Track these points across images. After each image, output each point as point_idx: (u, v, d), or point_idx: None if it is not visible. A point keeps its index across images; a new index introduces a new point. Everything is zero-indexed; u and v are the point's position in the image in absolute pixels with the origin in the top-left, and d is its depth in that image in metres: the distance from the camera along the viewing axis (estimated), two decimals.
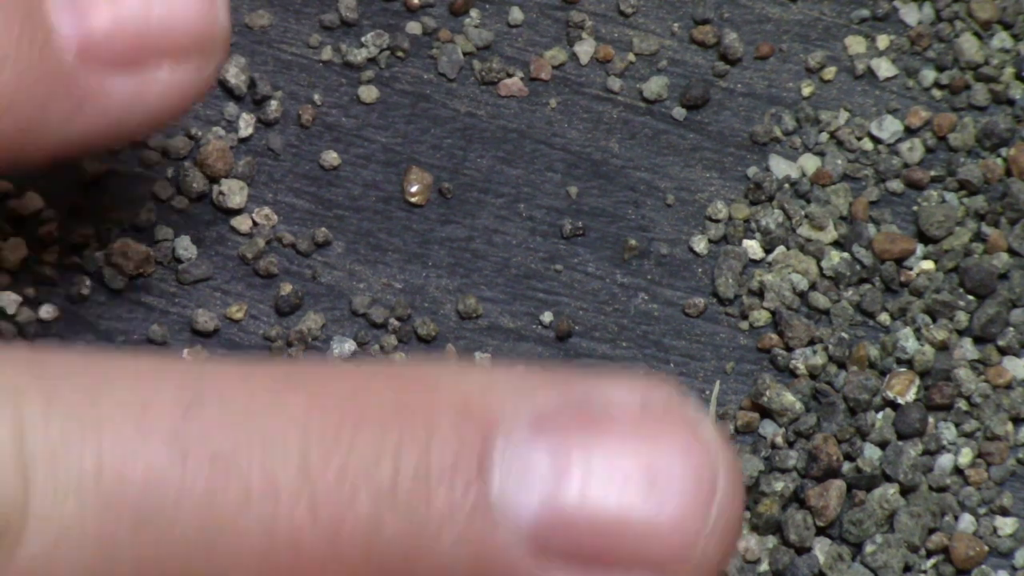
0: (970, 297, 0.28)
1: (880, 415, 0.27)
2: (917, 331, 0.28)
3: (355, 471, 0.22)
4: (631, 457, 0.23)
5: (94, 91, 0.25)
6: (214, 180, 0.29)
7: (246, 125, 0.29)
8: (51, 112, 0.25)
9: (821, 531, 0.26)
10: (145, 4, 0.25)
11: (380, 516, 0.22)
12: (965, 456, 0.27)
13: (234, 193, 0.28)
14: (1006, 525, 0.27)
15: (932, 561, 0.26)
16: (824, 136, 0.29)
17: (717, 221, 0.29)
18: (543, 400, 0.23)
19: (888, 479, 0.27)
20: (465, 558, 0.23)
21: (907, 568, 0.26)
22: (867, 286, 0.28)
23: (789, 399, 0.27)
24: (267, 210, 0.29)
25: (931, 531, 0.26)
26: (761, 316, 0.28)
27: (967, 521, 0.27)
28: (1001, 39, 0.29)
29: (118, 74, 0.25)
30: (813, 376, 0.28)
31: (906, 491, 0.27)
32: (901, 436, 0.27)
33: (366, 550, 0.22)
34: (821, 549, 0.26)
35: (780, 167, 0.29)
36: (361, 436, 0.23)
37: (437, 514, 0.23)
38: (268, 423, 0.22)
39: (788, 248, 0.28)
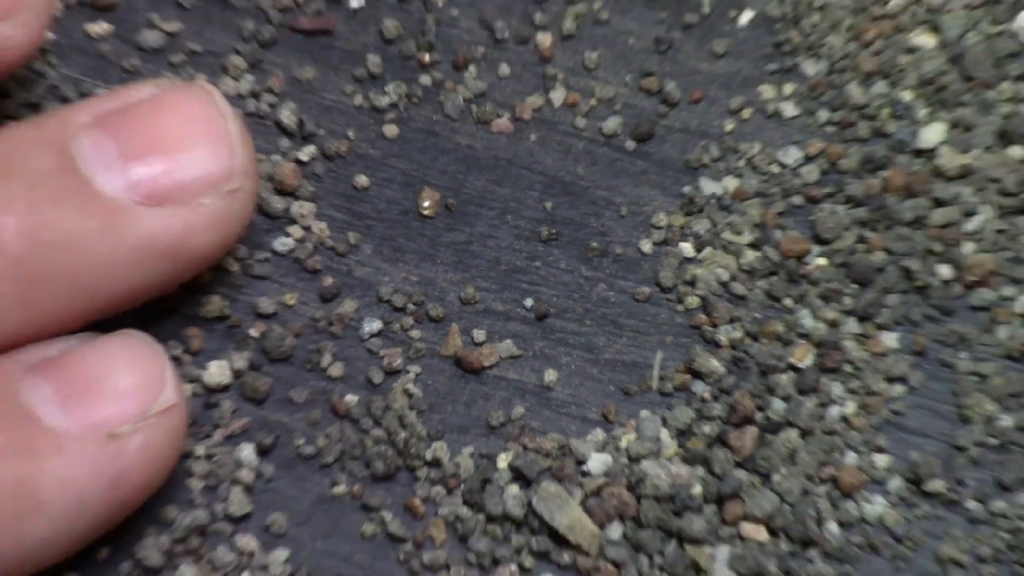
0: (854, 285, 0.28)
1: (784, 376, 0.27)
2: (813, 312, 0.28)
3: (18, 205, 0.24)
4: (168, 120, 0.25)
5: None
6: (289, 195, 0.29)
7: (308, 156, 0.29)
8: None
9: (739, 465, 0.27)
10: None
11: (44, 227, 0.24)
12: (850, 407, 0.27)
13: (304, 212, 0.29)
14: (881, 460, 0.27)
15: (824, 487, 0.27)
16: (742, 162, 0.29)
17: (660, 228, 0.29)
18: (98, 108, 0.25)
19: (791, 425, 0.27)
20: (95, 228, 0.24)
21: (805, 492, 0.26)
22: (775, 277, 0.28)
23: (715, 364, 0.28)
24: (314, 220, 0.28)
25: (823, 464, 0.27)
26: (693, 301, 0.28)
27: (851, 457, 0.27)
28: (880, 87, 0.29)
29: None
30: (733, 347, 0.28)
31: (804, 434, 0.27)
32: (801, 392, 0.27)
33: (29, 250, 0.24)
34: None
35: (708, 186, 0.29)
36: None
37: (59, 205, 0.24)
38: None
39: (714, 248, 0.29)
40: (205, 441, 0.27)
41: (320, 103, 0.30)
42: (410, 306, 0.28)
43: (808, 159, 0.29)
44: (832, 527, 0.27)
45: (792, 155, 0.29)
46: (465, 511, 0.27)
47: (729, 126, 0.30)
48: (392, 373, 0.28)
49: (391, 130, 0.29)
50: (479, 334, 0.28)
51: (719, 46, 0.30)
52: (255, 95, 0.30)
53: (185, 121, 0.25)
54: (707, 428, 0.27)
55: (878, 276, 0.28)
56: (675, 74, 0.30)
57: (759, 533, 0.26)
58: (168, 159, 0.25)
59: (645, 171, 0.29)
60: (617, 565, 0.26)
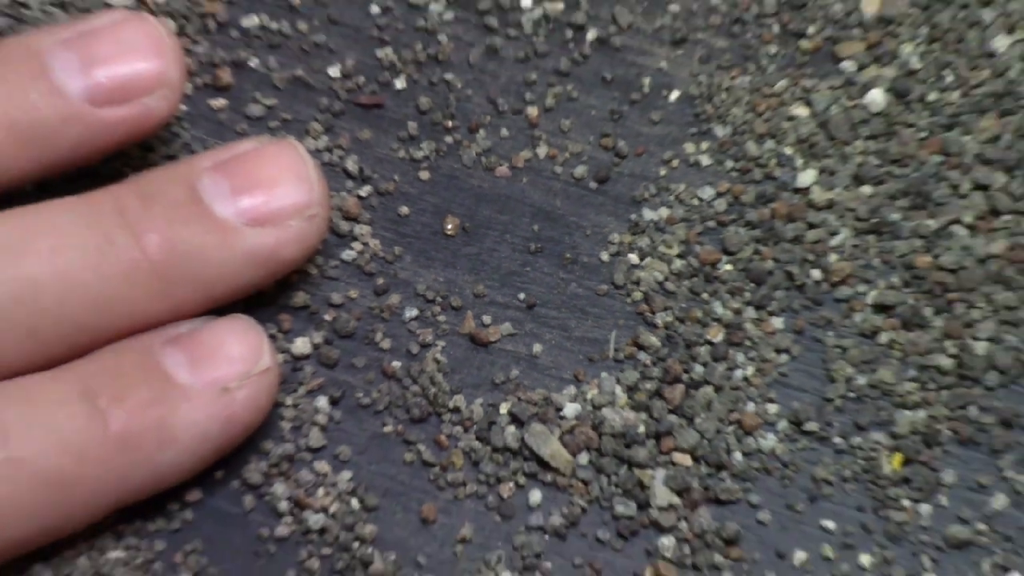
0: (752, 284, 0.28)
1: (703, 348, 0.27)
2: (723, 303, 0.27)
3: (158, 225, 0.23)
4: (266, 166, 0.24)
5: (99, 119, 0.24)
6: (352, 220, 0.28)
7: (366, 193, 0.28)
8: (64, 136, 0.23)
9: (671, 411, 0.26)
10: (125, 62, 0.24)
11: (177, 241, 0.23)
12: (749, 371, 0.27)
13: (365, 234, 0.28)
14: (772, 408, 0.27)
15: (731, 428, 0.26)
16: (672, 197, 0.29)
17: (614, 244, 0.28)
18: (216, 157, 0.24)
19: (707, 383, 0.27)
20: (214, 243, 0.24)
21: (718, 431, 0.26)
22: (695, 279, 0.28)
23: (653, 340, 0.27)
24: (370, 238, 0.28)
25: (731, 411, 0.26)
26: (638, 295, 0.28)
27: (751, 406, 0.26)
28: (769, 144, 0.29)
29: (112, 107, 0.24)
30: (666, 328, 0.27)
31: (717, 390, 0.27)
32: (714, 360, 0.27)
33: (173, 259, 0.23)
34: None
35: (649, 215, 0.29)
36: (144, 213, 0.23)
37: (190, 227, 0.23)
38: (104, 215, 0.23)
39: (652, 258, 0.28)
40: (292, 394, 0.26)
41: (375, 156, 0.29)
42: (438, 299, 0.28)
43: (719, 195, 0.29)
44: (737, 456, 0.26)
45: (707, 192, 0.29)
46: (477, 444, 0.26)
47: (663, 172, 0.29)
48: (425, 346, 0.27)
49: (424, 175, 0.29)
50: (487, 319, 0.28)
51: (655, 116, 0.30)
52: (329, 150, 0.29)
53: (278, 166, 0.25)
54: (648, 385, 0.27)
55: (769, 277, 0.28)
56: (624, 135, 0.30)
57: (685, 460, 0.26)
58: (266, 193, 0.24)
59: (604, 204, 0.29)
60: (585, 483, 0.26)
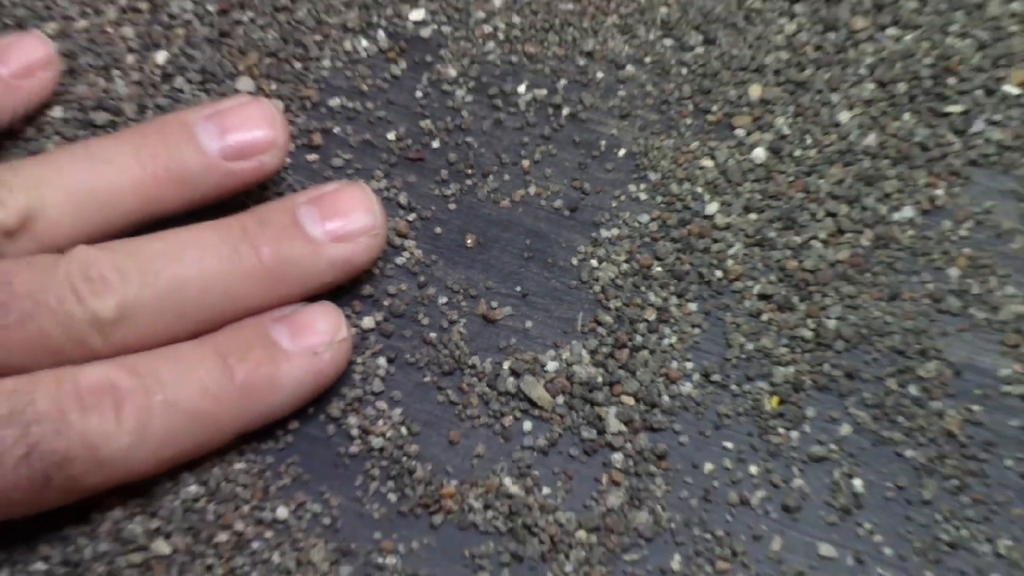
0: (675, 280, 0.26)
1: (642, 324, 0.26)
2: (655, 293, 0.26)
3: (270, 241, 0.22)
4: (344, 200, 0.23)
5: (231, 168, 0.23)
6: (403, 237, 0.27)
7: (412, 219, 0.27)
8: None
9: (621, 367, 0.25)
10: (249, 131, 0.23)
11: (283, 252, 0.22)
12: (674, 339, 0.25)
13: (411, 248, 0.26)
14: (689, 365, 0.25)
15: (661, 378, 0.25)
16: (621, 221, 0.27)
17: (581, 253, 0.27)
18: (309, 194, 0.23)
19: (645, 348, 0.25)
20: (308, 253, 0.22)
21: (652, 381, 0.25)
22: (636, 277, 0.27)
23: (608, 319, 0.26)
24: (415, 249, 0.27)
25: (661, 367, 0.25)
26: (597, 288, 0.26)
27: (674, 363, 0.25)
28: (686, 185, 0.27)
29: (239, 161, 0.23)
30: (616, 310, 0.26)
31: (651, 352, 0.25)
32: (650, 331, 0.25)
33: (281, 265, 0.22)
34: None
35: (605, 233, 0.27)
36: (260, 232, 0.22)
37: (288, 240, 0.22)
38: (236, 238, 0.22)
39: (607, 263, 0.27)
40: (361, 355, 0.25)
41: (418, 193, 0.28)
42: (461, 290, 0.26)
43: (652, 220, 0.28)
44: (665, 398, 0.25)
45: (644, 218, 0.28)
46: (487, 390, 0.25)
47: (614, 204, 0.28)
48: (452, 323, 0.26)
49: (452, 206, 0.28)
50: (494, 304, 0.26)
51: (609, 166, 0.29)
52: (387, 189, 0.28)
53: (352, 200, 0.23)
54: (604, 349, 0.25)
55: (686, 276, 0.27)
56: (589, 179, 0.29)
57: (630, 401, 0.25)
58: (344, 219, 0.23)
59: (574, 226, 0.28)
60: (561, 416, 0.25)
